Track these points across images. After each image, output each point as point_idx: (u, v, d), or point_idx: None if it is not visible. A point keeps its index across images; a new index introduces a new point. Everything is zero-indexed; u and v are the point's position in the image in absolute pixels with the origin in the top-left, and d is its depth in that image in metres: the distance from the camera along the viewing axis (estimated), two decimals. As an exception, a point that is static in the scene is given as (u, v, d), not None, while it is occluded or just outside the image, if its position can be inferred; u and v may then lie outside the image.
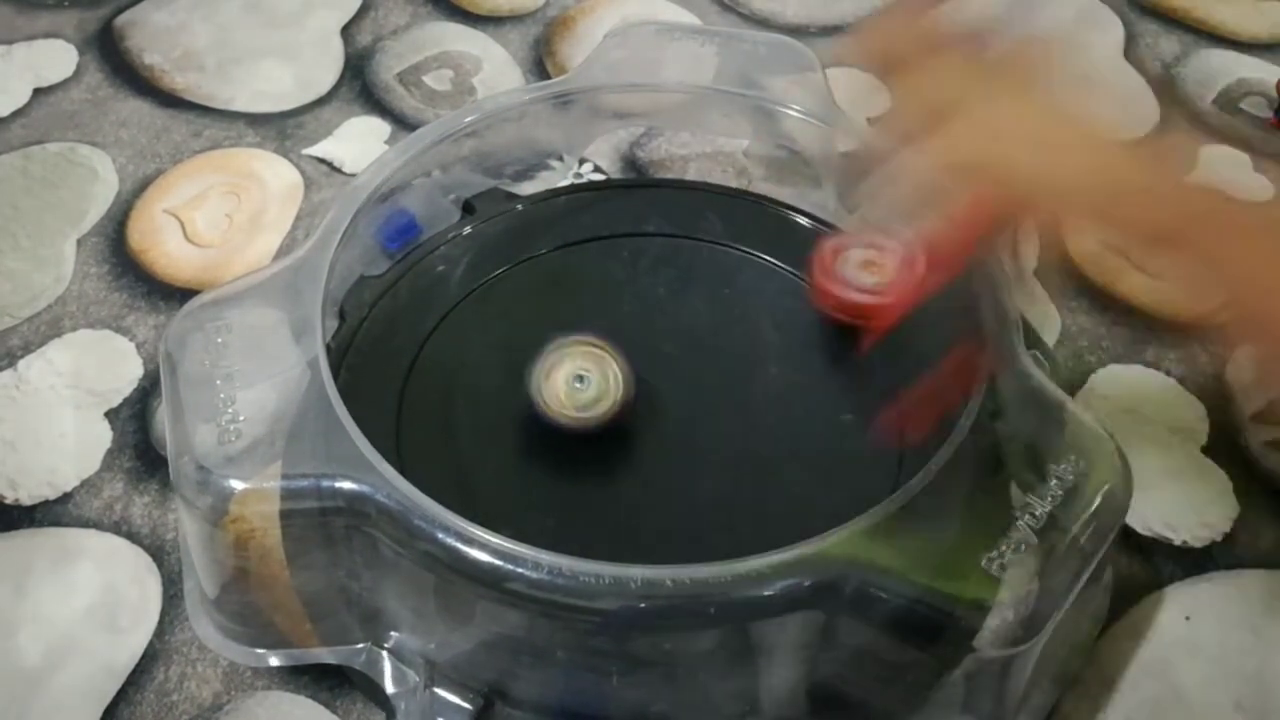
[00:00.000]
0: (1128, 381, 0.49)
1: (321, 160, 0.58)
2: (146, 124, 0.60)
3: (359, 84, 0.63)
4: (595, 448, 0.39)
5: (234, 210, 0.55)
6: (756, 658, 0.34)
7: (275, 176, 0.57)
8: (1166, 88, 0.64)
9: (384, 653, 0.37)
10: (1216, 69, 0.65)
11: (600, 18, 0.68)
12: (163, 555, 0.42)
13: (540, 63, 0.65)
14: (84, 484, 0.45)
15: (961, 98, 0.35)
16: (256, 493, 0.34)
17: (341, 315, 0.43)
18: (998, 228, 0.37)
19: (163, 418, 0.44)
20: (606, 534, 0.37)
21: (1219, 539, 0.44)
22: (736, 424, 0.40)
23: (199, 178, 0.57)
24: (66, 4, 0.68)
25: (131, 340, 0.50)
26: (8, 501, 0.44)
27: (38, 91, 0.62)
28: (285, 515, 0.35)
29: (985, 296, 0.40)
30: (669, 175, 0.57)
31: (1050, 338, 0.50)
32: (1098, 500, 0.34)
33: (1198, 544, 0.43)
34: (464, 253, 0.46)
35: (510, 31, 0.67)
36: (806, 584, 0.32)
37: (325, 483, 0.34)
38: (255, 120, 0.61)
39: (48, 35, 0.66)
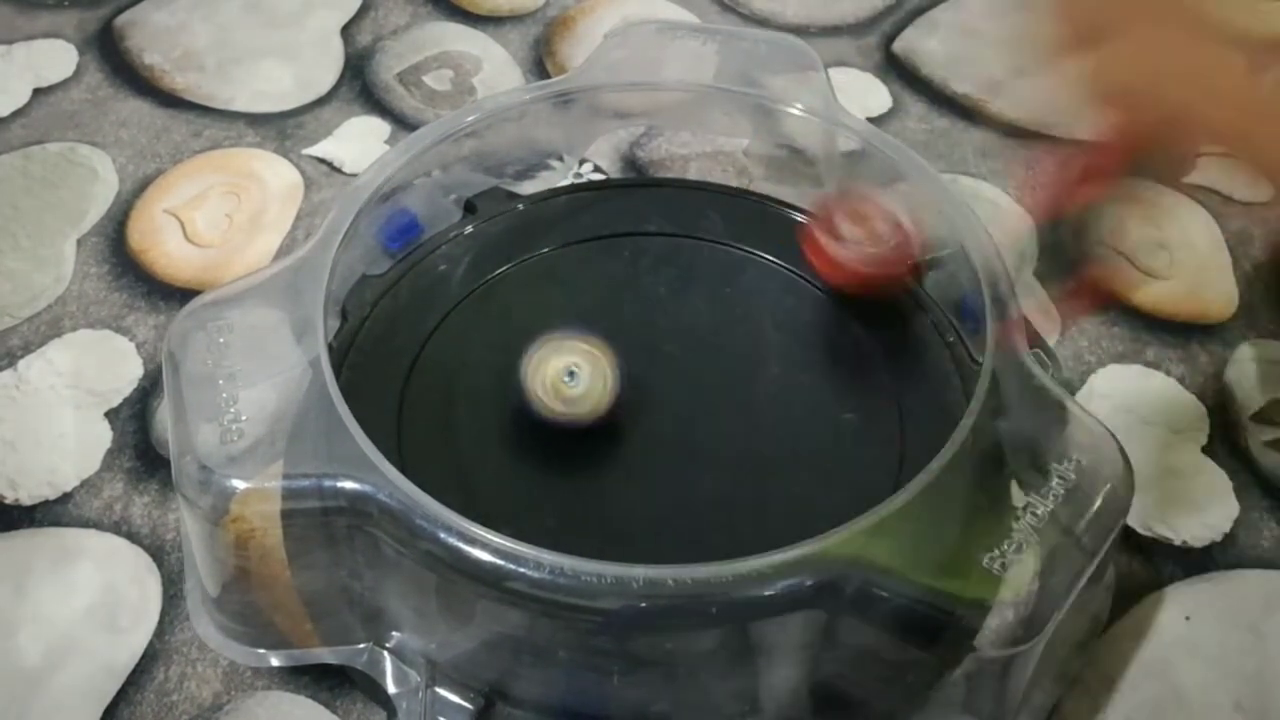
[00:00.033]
0: (1128, 381, 0.49)
1: (321, 160, 0.58)
2: (146, 124, 0.60)
3: (359, 84, 0.63)
4: (596, 448, 0.39)
5: (234, 210, 0.55)
6: (757, 657, 0.34)
7: (275, 176, 0.57)
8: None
9: (385, 653, 0.37)
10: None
11: (600, 18, 0.68)
12: (163, 555, 0.42)
13: (540, 63, 0.65)
14: (84, 484, 0.45)
15: (1125, 16, 0.36)
16: (258, 492, 0.34)
17: (343, 315, 0.43)
18: (1145, 152, 0.37)
19: (164, 418, 0.44)
20: (607, 534, 0.37)
21: (1219, 539, 0.44)
22: (737, 423, 0.40)
23: (199, 178, 0.57)
24: (66, 4, 0.68)
25: (131, 340, 0.50)
26: (8, 501, 0.44)
27: (38, 91, 0.62)
28: (286, 515, 0.35)
29: (986, 296, 0.40)
30: (669, 175, 0.57)
31: (1050, 338, 0.50)
32: (1099, 499, 0.34)
33: (1198, 544, 0.44)
34: (465, 252, 0.46)
35: (510, 31, 0.67)
36: (808, 584, 0.32)
37: (327, 482, 0.34)
38: (255, 120, 0.61)
39: (48, 35, 0.66)
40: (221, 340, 0.38)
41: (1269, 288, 0.53)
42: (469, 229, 0.47)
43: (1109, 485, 0.35)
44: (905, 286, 0.44)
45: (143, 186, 0.57)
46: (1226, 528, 0.44)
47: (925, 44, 0.67)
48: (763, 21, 0.68)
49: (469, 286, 0.44)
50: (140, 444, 0.46)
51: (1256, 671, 0.40)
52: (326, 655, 0.38)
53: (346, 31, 0.67)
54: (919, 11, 0.69)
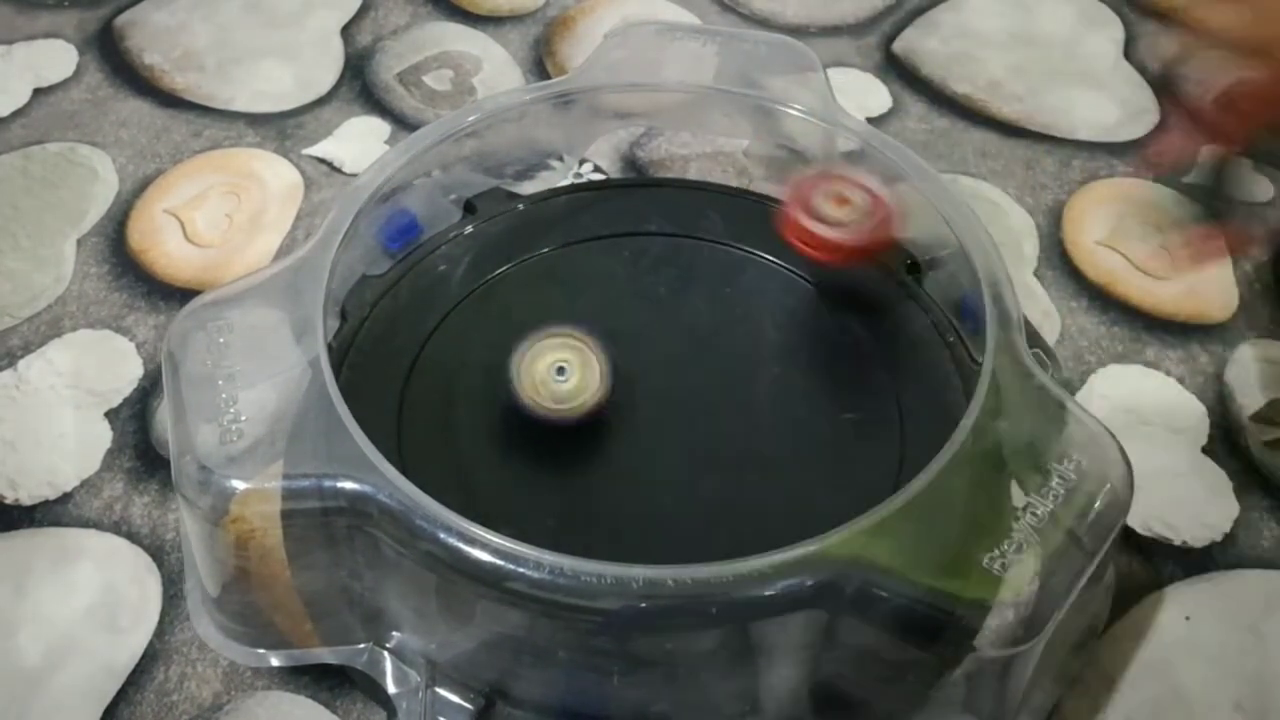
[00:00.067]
0: (1128, 381, 0.49)
1: (321, 160, 0.58)
2: (146, 124, 0.60)
3: (359, 84, 0.63)
4: (596, 448, 0.39)
5: (234, 210, 0.55)
6: (758, 657, 0.34)
7: (275, 176, 0.57)
8: (1166, 88, 0.64)
9: (385, 653, 0.37)
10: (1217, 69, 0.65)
11: (600, 18, 0.68)
12: (163, 555, 0.42)
13: (540, 63, 0.65)
14: (84, 484, 0.45)
15: None
16: (258, 492, 0.34)
17: (343, 315, 0.43)
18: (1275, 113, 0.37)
19: (163, 418, 0.44)
20: (607, 533, 0.37)
21: (1219, 539, 0.44)
22: (738, 423, 0.40)
23: (199, 178, 0.57)
24: (66, 4, 0.68)
25: (131, 340, 0.50)
26: (8, 501, 0.44)
27: (38, 91, 0.62)
28: (286, 515, 0.35)
29: (986, 296, 0.40)
30: (669, 175, 0.57)
31: (1050, 337, 0.50)
32: (1100, 499, 0.34)
33: (1198, 544, 0.44)
34: (465, 252, 0.46)
35: (510, 31, 0.67)
36: (808, 584, 0.32)
37: (327, 483, 0.34)
38: (255, 120, 0.61)
39: (48, 35, 0.66)
40: (221, 340, 0.38)
41: (1269, 288, 0.53)
42: (469, 229, 0.47)
43: (1109, 485, 0.35)
44: (889, 257, 0.43)
45: (143, 186, 0.57)
46: (1226, 528, 0.44)
47: (925, 44, 0.67)
48: (762, 22, 0.68)
49: (469, 287, 0.44)
50: (140, 444, 0.46)
51: (1256, 671, 0.40)
52: (326, 655, 0.38)
53: (346, 31, 0.67)
54: (919, 11, 0.69)
